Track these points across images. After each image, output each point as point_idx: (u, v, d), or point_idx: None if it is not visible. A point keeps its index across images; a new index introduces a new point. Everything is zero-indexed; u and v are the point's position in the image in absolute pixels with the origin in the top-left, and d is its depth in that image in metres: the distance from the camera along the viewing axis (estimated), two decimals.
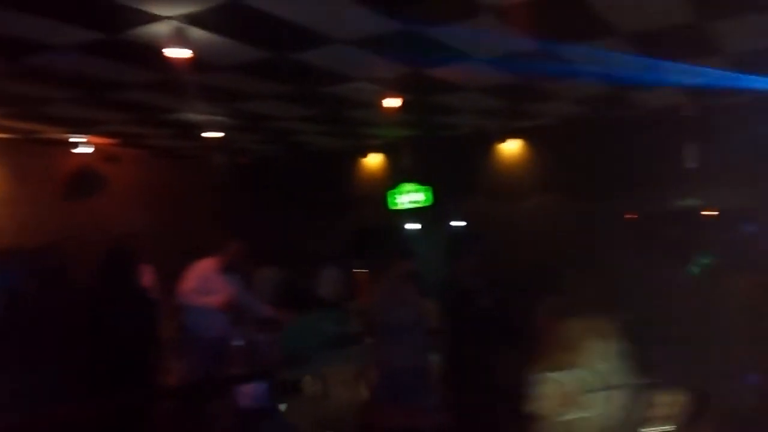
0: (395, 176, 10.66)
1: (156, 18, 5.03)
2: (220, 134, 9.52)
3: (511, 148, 9.75)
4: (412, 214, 10.48)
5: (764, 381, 4.84)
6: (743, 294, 5.37)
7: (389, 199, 10.56)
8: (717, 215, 8.69)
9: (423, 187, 10.32)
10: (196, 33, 5.33)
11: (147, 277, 6.16)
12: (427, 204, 10.33)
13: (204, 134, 9.45)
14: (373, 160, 11.09)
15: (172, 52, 5.42)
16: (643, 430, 1.72)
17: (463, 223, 10.24)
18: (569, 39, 5.73)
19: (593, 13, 5.07)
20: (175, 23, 5.11)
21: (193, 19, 5.08)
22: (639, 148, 8.26)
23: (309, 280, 8.32)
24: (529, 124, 9.24)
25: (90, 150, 9.90)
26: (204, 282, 6.01)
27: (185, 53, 5.42)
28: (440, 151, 10.05)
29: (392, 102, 7.58)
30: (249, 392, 5.67)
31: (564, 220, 8.89)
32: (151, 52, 5.63)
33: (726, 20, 5.33)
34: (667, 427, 1.83)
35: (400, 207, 10.55)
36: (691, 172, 8.09)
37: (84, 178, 10.16)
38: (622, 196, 8.54)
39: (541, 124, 9.16)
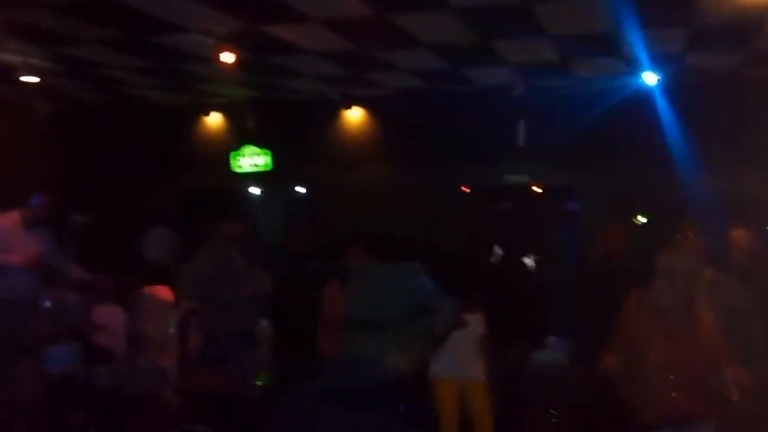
0: (237, 138, 10.35)
1: None
2: (40, 79, 8.75)
3: (353, 116, 9.76)
4: (253, 177, 10.25)
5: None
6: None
7: (230, 162, 10.25)
8: (542, 192, 9.24)
9: (264, 150, 10.10)
10: None
11: None
12: (267, 168, 10.13)
13: (22, 78, 8.65)
14: (215, 120, 10.69)
15: None
16: None
17: (303, 189, 10.18)
18: (401, 8, 5.77)
19: None
20: None
21: None
22: (472, 123, 8.56)
23: (132, 241, 7.93)
24: (370, 94, 9.28)
25: None
26: (4, 238, 5.49)
27: None
28: (283, 115, 9.87)
29: (229, 57, 7.30)
30: (56, 355, 5.33)
31: (398, 189, 9.08)
32: None
33: (551, 3, 5.59)
34: None
35: (240, 170, 10.27)
36: (520, 148, 8.50)
37: None
38: (455, 169, 8.84)
39: (381, 95, 9.23)
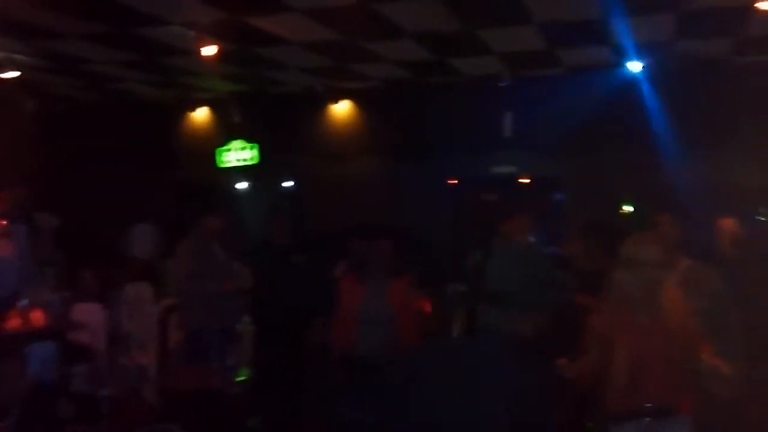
0: (223, 133, 10.23)
1: None
2: (23, 75, 8.62)
3: (340, 109, 9.66)
4: (239, 172, 10.14)
5: None
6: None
7: (217, 157, 10.13)
8: (529, 182, 9.15)
9: (251, 144, 10.00)
10: None
11: None
12: (254, 162, 10.02)
13: (3, 74, 8.51)
14: (201, 115, 10.57)
15: None
16: None
17: (291, 183, 10.07)
18: None
19: None
20: None
21: None
22: (459, 114, 8.47)
23: (116, 237, 7.84)
24: (357, 86, 9.17)
25: None
26: None
27: None
28: (269, 108, 9.76)
29: (213, 50, 7.19)
30: (34, 355, 5.24)
31: (385, 182, 8.99)
32: None
33: None
34: None
35: (227, 165, 10.16)
36: (507, 139, 8.42)
37: None
38: (442, 161, 8.75)
39: (368, 87, 9.13)
